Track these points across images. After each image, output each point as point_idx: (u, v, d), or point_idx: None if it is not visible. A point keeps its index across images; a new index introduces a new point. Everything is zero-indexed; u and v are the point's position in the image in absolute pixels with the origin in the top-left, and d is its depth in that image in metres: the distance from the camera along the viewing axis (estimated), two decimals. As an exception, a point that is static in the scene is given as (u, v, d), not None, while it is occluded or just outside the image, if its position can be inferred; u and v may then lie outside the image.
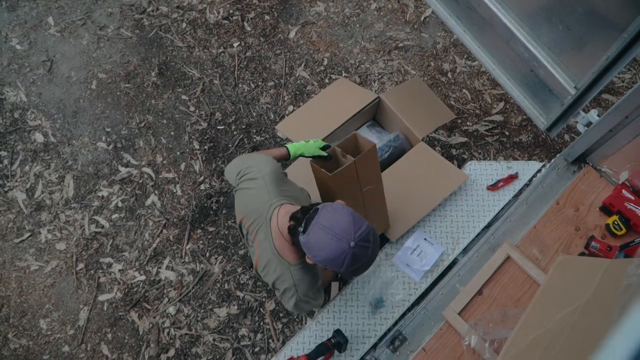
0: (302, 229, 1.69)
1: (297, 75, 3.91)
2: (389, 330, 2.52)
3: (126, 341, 3.12)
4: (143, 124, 3.72)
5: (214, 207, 3.42)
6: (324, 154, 2.34)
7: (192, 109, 3.78)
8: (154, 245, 3.33)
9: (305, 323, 3.06)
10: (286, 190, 2.03)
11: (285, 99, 3.82)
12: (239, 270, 3.23)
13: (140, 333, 3.13)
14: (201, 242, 3.34)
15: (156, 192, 3.50)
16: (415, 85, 3.21)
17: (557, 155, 2.83)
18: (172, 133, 3.69)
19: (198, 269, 3.27)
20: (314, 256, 1.67)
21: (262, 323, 3.13)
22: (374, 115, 3.27)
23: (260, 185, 1.99)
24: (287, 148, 2.32)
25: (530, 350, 1.92)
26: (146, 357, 3.07)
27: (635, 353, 0.53)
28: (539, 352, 1.84)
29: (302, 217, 1.71)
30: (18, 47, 4.01)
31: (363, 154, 2.14)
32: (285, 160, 2.36)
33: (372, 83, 3.87)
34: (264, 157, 2.10)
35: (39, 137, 3.67)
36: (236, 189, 2.09)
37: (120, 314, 3.18)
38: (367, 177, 2.29)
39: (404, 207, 2.70)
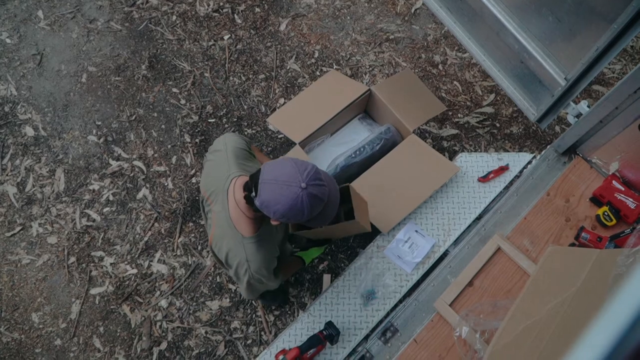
0: (254, 194, 1.65)
1: (288, 67, 3.90)
2: (381, 321, 2.52)
3: (118, 334, 3.12)
4: (134, 117, 3.71)
5: (205, 200, 3.42)
6: None
7: (182, 102, 3.77)
8: (146, 239, 3.33)
9: (297, 315, 3.07)
10: (248, 166, 1.99)
11: (277, 91, 3.81)
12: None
13: (133, 326, 3.13)
14: (193, 235, 3.34)
15: (147, 185, 3.49)
16: (406, 77, 3.20)
17: (548, 146, 2.84)
18: (163, 126, 3.68)
19: (190, 262, 3.27)
20: (274, 213, 1.62)
21: (254, 316, 3.13)
22: (365, 107, 3.27)
23: (222, 157, 1.96)
24: None
25: (520, 340, 1.94)
26: (138, 350, 3.07)
27: (615, 342, 0.54)
28: (529, 341, 1.85)
29: (252, 183, 1.67)
30: (8, 40, 3.98)
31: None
32: None
33: (363, 75, 3.87)
34: (234, 135, 2.08)
35: (29, 131, 3.65)
36: (203, 163, 2.07)
37: (112, 307, 3.18)
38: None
39: (395, 199, 2.71)
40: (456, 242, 2.68)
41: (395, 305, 2.57)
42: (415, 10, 4.13)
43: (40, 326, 3.15)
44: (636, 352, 0.54)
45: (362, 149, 2.97)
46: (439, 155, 2.84)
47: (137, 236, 3.35)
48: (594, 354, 0.53)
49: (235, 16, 4.11)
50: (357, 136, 3.18)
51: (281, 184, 1.58)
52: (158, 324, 3.12)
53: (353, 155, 2.94)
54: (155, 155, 3.58)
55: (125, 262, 3.28)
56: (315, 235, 2.45)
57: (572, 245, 2.51)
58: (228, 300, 3.16)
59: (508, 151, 3.50)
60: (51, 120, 3.70)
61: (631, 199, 2.49)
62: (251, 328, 3.11)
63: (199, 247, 3.30)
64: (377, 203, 2.66)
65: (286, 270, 2.31)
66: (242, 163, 1.96)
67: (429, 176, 2.77)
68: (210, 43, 3.99)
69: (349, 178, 2.76)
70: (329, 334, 2.33)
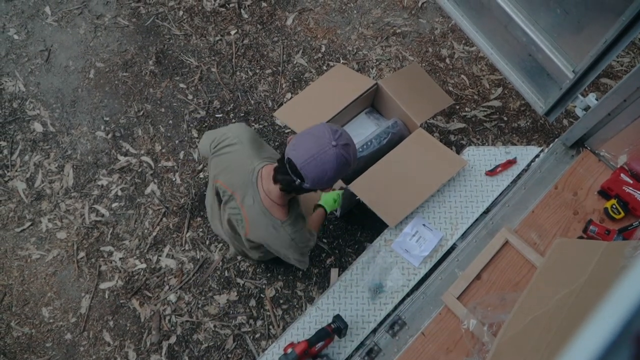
0: (298, 181, 1.73)
1: (294, 62, 3.91)
2: (389, 315, 2.52)
3: (128, 328, 3.14)
4: (141, 113, 3.72)
5: (213, 195, 3.43)
6: None
7: (190, 97, 3.78)
8: (154, 234, 3.34)
9: (306, 309, 3.08)
10: (264, 152, 2.08)
11: (283, 86, 3.81)
12: (239, 257, 3.25)
13: (142, 320, 3.15)
14: (201, 230, 3.35)
15: (155, 180, 3.51)
16: (414, 71, 3.20)
17: (556, 139, 2.83)
18: (171, 122, 3.69)
19: (198, 257, 3.28)
20: (327, 182, 1.74)
21: (262, 310, 3.14)
22: (372, 101, 3.27)
23: (239, 150, 2.02)
24: None
25: (528, 331, 1.94)
26: (148, 344, 3.09)
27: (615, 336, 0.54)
28: (537, 334, 1.85)
29: (284, 173, 1.76)
30: (15, 37, 4.00)
31: None
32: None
33: (370, 69, 3.86)
34: (241, 125, 2.16)
35: (38, 127, 3.67)
36: (212, 156, 2.11)
37: (121, 301, 3.20)
38: None
39: (403, 193, 2.71)
40: (464, 235, 2.68)
41: (403, 299, 2.57)
42: (422, 3, 4.12)
43: (51, 321, 3.17)
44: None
45: (369, 143, 2.97)
46: (446, 149, 2.83)
47: (145, 231, 3.36)
48: (600, 339, 0.54)
49: (242, 11, 4.11)
50: (364, 130, 3.18)
51: (316, 156, 1.65)
52: (167, 318, 3.14)
53: (360, 150, 2.94)
54: (163, 150, 3.59)
55: (134, 257, 3.29)
56: None
57: (581, 238, 2.51)
58: (236, 294, 3.18)
59: (516, 145, 3.49)
60: (59, 116, 3.72)
61: (639, 192, 2.48)
62: (259, 322, 3.12)
63: (207, 242, 3.31)
64: (384, 197, 2.66)
65: (316, 224, 2.51)
66: (260, 152, 2.04)
67: (436, 170, 2.77)
68: (217, 38, 4.00)
69: (356, 172, 2.76)
70: (337, 327, 2.33)
